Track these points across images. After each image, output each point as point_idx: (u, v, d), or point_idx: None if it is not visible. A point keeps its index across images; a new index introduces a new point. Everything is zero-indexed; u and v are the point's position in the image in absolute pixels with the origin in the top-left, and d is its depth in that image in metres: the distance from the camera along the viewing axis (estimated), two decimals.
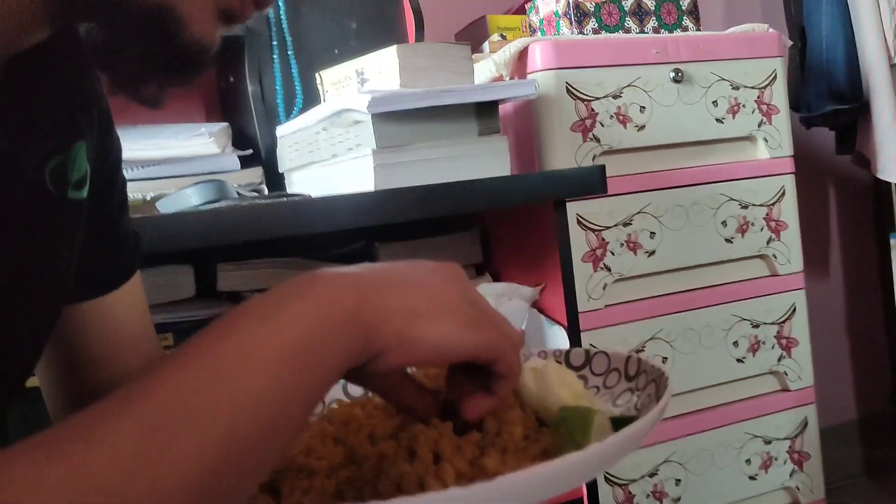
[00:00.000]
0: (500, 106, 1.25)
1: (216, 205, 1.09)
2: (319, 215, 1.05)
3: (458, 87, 1.18)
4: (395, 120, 1.15)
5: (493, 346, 0.48)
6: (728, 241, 1.57)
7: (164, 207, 1.14)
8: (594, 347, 0.64)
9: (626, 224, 1.48)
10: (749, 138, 1.60)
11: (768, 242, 1.60)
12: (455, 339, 0.46)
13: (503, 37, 1.70)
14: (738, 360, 1.57)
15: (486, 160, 1.22)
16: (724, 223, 1.56)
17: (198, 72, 0.52)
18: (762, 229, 1.60)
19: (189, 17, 0.48)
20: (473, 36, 1.79)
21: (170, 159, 1.29)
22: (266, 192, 1.42)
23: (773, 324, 1.59)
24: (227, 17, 0.51)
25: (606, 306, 1.46)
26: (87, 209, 0.61)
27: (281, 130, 1.39)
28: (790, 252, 1.61)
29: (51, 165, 0.56)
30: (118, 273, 0.69)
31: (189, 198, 1.13)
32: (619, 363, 0.59)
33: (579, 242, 1.43)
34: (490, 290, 1.27)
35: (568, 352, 0.64)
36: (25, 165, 0.54)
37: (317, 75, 1.38)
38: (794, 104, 1.97)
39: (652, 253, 1.50)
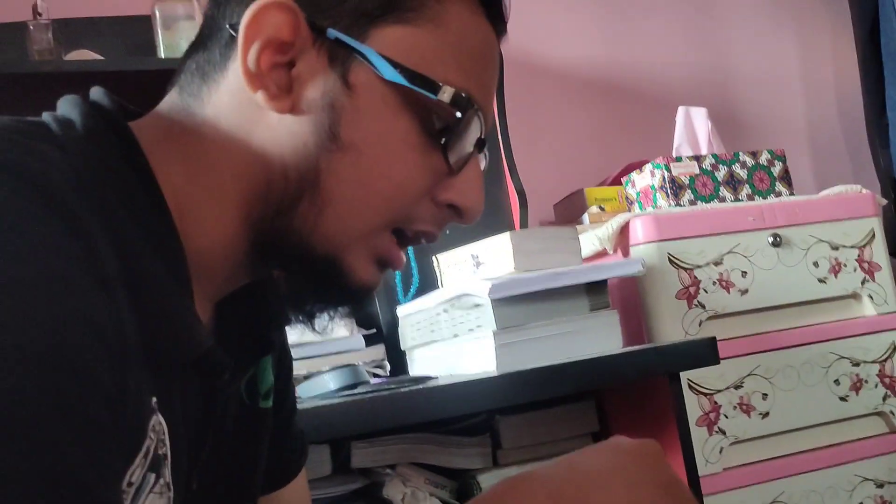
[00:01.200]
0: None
1: (352, 392, 1.18)
2: (448, 401, 1.12)
3: (571, 269, 1.27)
4: (512, 302, 1.24)
5: None
6: (842, 399, 1.57)
7: (304, 391, 1.24)
8: None
9: (737, 387, 1.51)
10: (853, 296, 1.63)
11: (884, 399, 1.60)
12: None
13: (602, 208, 1.80)
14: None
15: (599, 334, 1.29)
16: (836, 382, 1.57)
17: (361, 307, 0.62)
18: (876, 386, 1.60)
19: (352, 266, 0.57)
20: (572, 208, 1.90)
21: (305, 343, 1.40)
22: (388, 367, 1.52)
23: None
24: (383, 263, 0.59)
25: (724, 469, 1.47)
26: (272, 416, 0.71)
27: (402, 310, 1.49)
28: None
29: (246, 378, 0.66)
30: (290, 469, 0.78)
31: (327, 383, 1.23)
32: None
33: (692, 407, 1.46)
34: None
35: None
36: (238, 380, 0.64)
37: (434, 258, 1.50)
38: (893, 248, 1.98)
39: (766, 414, 1.52)
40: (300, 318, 0.62)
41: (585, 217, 1.80)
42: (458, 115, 0.56)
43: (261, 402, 0.68)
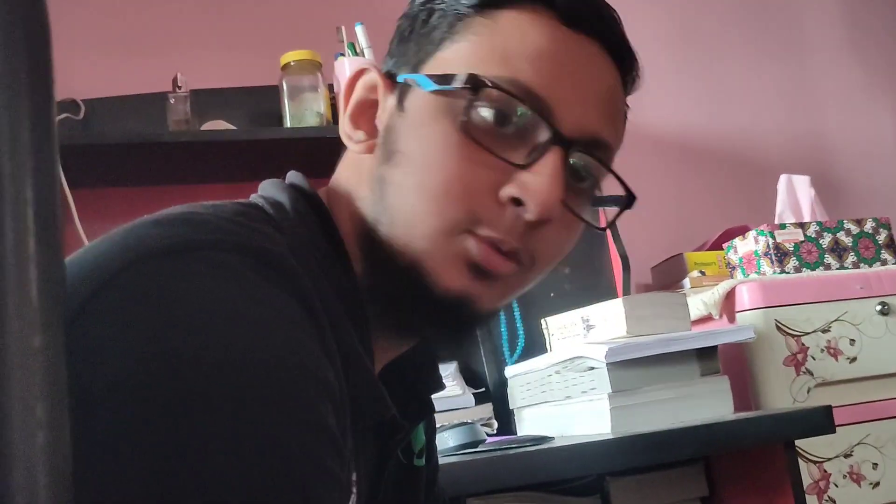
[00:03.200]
0: None
1: (472, 450, 1.23)
2: (564, 462, 1.16)
3: (683, 335, 1.30)
4: (627, 366, 1.28)
5: None
6: None
7: None
8: None
9: (847, 455, 1.50)
10: None
11: None
12: None
13: (703, 273, 1.82)
14: None
15: (710, 400, 1.32)
16: None
17: (462, 328, 0.60)
18: None
19: (435, 270, 0.56)
20: (671, 272, 1.92)
21: None
22: (496, 426, 1.56)
23: None
24: (477, 269, 0.56)
25: None
26: (424, 475, 0.76)
27: (511, 370, 1.54)
28: None
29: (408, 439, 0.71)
30: None
31: (447, 440, 1.27)
32: None
33: (801, 474, 1.45)
34: None
35: None
36: (405, 441, 0.69)
37: (542, 321, 1.54)
38: None
39: (877, 484, 1.51)
40: (407, 332, 0.64)
41: (686, 281, 1.82)
42: (492, 109, 0.56)
43: (415, 460, 0.73)
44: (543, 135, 0.56)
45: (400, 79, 0.61)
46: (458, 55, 0.58)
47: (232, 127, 1.63)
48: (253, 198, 0.61)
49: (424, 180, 0.56)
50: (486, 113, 0.56)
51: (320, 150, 1.26)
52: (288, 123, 1.65)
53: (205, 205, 0.53)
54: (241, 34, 1.90)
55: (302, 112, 1.64)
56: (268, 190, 0.61)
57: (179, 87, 1.61)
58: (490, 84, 0.55)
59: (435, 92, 0.57)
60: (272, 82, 1.70)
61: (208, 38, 1.87)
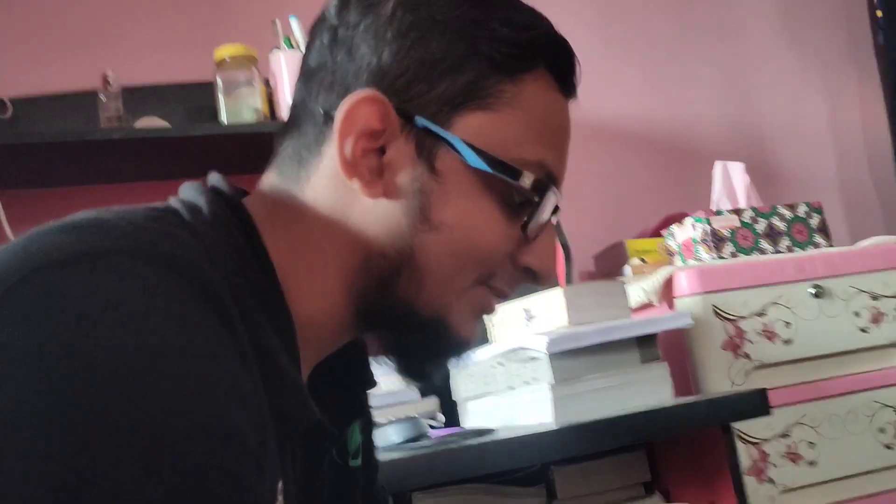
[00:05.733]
0: None
1: (416, 444, 1.23)
2: (508, 453, 1.17)
3: (624, 323, 1.32)
4: (568, 356, 1.29)
5: None
6: (888, 447, 1.60)
7: None
8: None
9: (784, 436, 1.54)
10: (895, 345, 1.66)
11: None
12: None
13: (643, 260, 1.85)
14: None
15: (650, 386, 1.34)
16: (881, 430, 1.60)
17: (461, 359, 0.67)
18: None
19: (457, 324, 0.62)
20: (612, 259, 1.94)
21: None
22: (442, 418, 1.56)
23: None
24: (481, 314, 0.65)
25: None
26: (361, 475, 0.75)
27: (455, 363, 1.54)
28: None
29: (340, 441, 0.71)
30: None
31: (390, 435, 1.27)
32: None
33: (741, 456, 1.49)
34: None
35: None
36: (336, 443, 0.69)
37: None
38: None
39: (813, 463, 1.55)
40: (404, 370, 0.67)
41: (627, 269, 1.85)
42: (537, 198, 0.61)
43: (350, 461, 0.73)
44: (550, 211, 0.63)
45: (419, 123, 0.59)
46: (490, 128, 0.60)
47: (166, 124, 1.60)
48: (171, 201, 0.59)
49: (464, 250, 0.60)
50: (522, 196, 0.61)
51: (257, 147, 1.23)
52: (224, 120, 1.62)
53: (114, 209, 0.51)
54: (174, 29, 1.86)
55: (238, 108, 1.62)
56: (186, 192, 0.59)
57: (110, 85, 1.57)
58: (553, 184, 0.61)
59: (479, 170, 0.59)
60: (207, 78, 1.67)
61: (139, 33, 1.83)
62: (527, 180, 0.60)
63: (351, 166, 0.58)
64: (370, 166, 0.59)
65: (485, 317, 0.66)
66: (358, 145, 0.58)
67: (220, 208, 0.57)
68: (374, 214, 0.59)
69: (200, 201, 0.57)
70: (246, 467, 0.43)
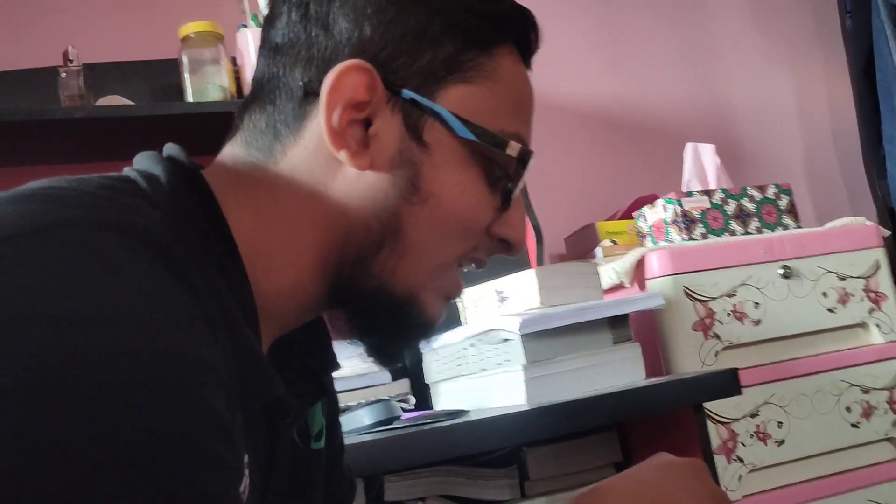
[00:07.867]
0: None
1: (388, 427, 1.22)
2: (481, 435, 1.15)
3: (596, 304, 1.32)
4: (540, 337, 1.28)
5: None
6: (854, 426, 1.62)
7: None
8: None
9: (753, 415, 1.55)
10: (862, 325, 1.68)
11: (894, 425, 1.64)
12: None
13: (614, 242, 1.85)
14: None
15: (622, 367, 1.34)
16: (848, 409, 1.62)
17: (428, 340, 0.67)
18: (885, 412, 1.64)
19: (426, 302, 0.62)
20: (583, 241, 1.94)
21: (334, 378, 1.43)
22: (413, 401, 1.55)
23: None
24: (448, 297, 0.65)
25: (743, 497, 1.51)
26: (324, 456, 0.74)
27: (426, 345, 1.53)
28: None
29: (302, 420, 0.69)
30: None
31: (361, 418, 1.26)
32: None
33: (710, 436, 1.49)
34: None
35: None
36: (297, 422, 0.67)
37: None
38: None
39: (781, 442, 1.56)
40: (377, 358, 0.67)
41: (598, 251, 1.84)
42: (521, 169, 0.62)
43: (312, 443, 0.71)
44: (520, 183, 0.63)
45: (406, 95, 0.58)
46: (473, 99, 0.60)
47: (130, 102, 1.56)
48: (126, 171, 0.57)
49: (451, 222, 0.60)
50: (505, 166, 0.61)
51: (224, 126, 1.21)
52: (190, 98, 1.59)
53: (68, 178, 0.49)
54: (138, 4, 1.82)
55: (204, 86, 1.59)
56: (141, 163, 0.57)
57: (71, 61, 1.53)
58: (532, 154, 0.62)
59: (467, 140, 0.60)
60: (171, 55, 1.64)
61: (102, 7, 1.79)
62: (513, 150, 0.61)
63: (339, 136, 0.57)
64: (356, 138, 0.58)
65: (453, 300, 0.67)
66: (344, 116, 0.57)
67: (178, 178, 0.56)
68: (359, 187, 0.58)
69: (157, 170, 0.55)
70: (219, 441, 0.42)
